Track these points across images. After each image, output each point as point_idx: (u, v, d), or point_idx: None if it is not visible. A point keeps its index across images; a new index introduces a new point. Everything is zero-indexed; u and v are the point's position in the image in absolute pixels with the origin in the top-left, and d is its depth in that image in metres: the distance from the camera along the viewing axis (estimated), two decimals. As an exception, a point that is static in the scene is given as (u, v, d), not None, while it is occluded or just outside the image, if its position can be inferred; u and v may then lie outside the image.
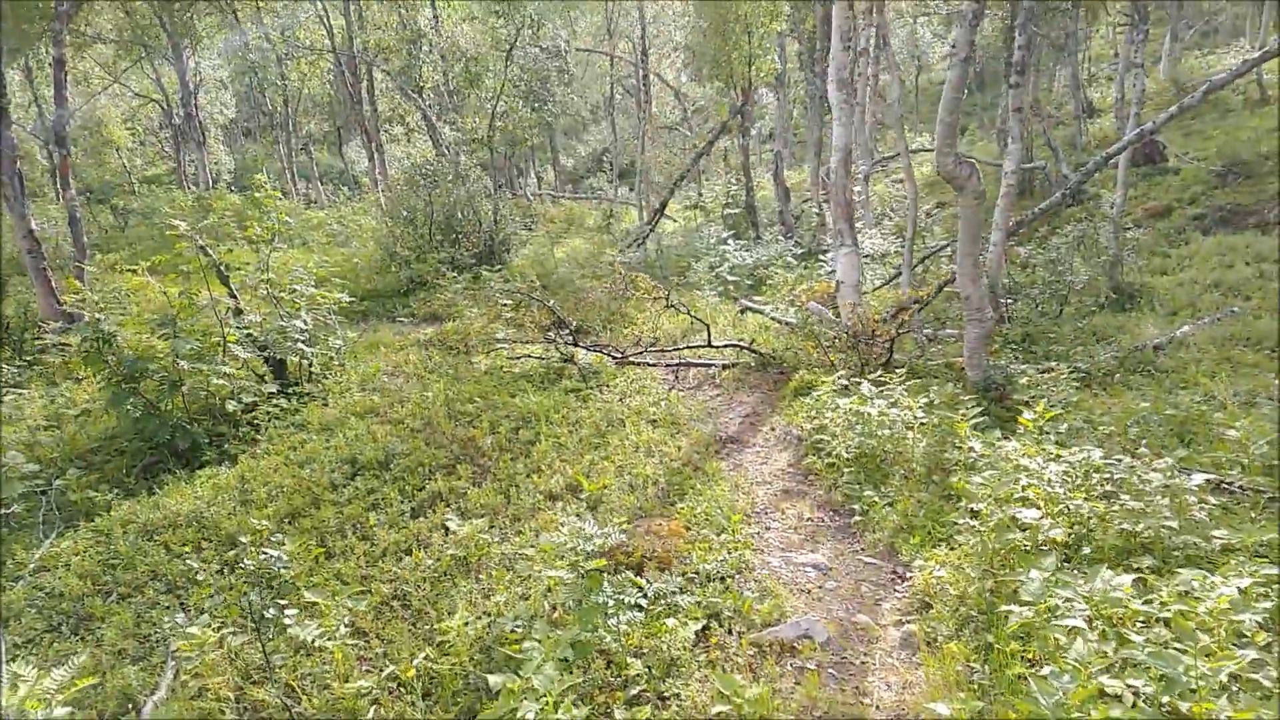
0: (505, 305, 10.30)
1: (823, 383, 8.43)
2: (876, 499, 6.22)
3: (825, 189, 21.46)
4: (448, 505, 6.25)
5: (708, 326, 9.72)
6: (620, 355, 9.53)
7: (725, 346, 10.14)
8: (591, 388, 8.82)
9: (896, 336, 8.89)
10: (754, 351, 9.97)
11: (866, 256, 16.25)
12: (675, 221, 24.05)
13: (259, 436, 8.00)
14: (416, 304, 13.10)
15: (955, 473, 6.40)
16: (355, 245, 18.56)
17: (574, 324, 9.26)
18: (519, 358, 9.41)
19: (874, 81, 25.87)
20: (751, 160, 22.84)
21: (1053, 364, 9.23)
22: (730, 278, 14.46)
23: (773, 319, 11.78)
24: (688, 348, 9.93)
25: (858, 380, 7.43)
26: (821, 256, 16.75)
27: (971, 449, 6.32)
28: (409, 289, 14.17)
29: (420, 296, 13.24)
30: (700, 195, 23.10)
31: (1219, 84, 11.81)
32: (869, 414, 6.93)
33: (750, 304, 12.66)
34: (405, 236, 15.29)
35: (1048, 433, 6.60)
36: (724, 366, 9.89)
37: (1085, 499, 5.31)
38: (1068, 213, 19.36)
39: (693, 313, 9.93)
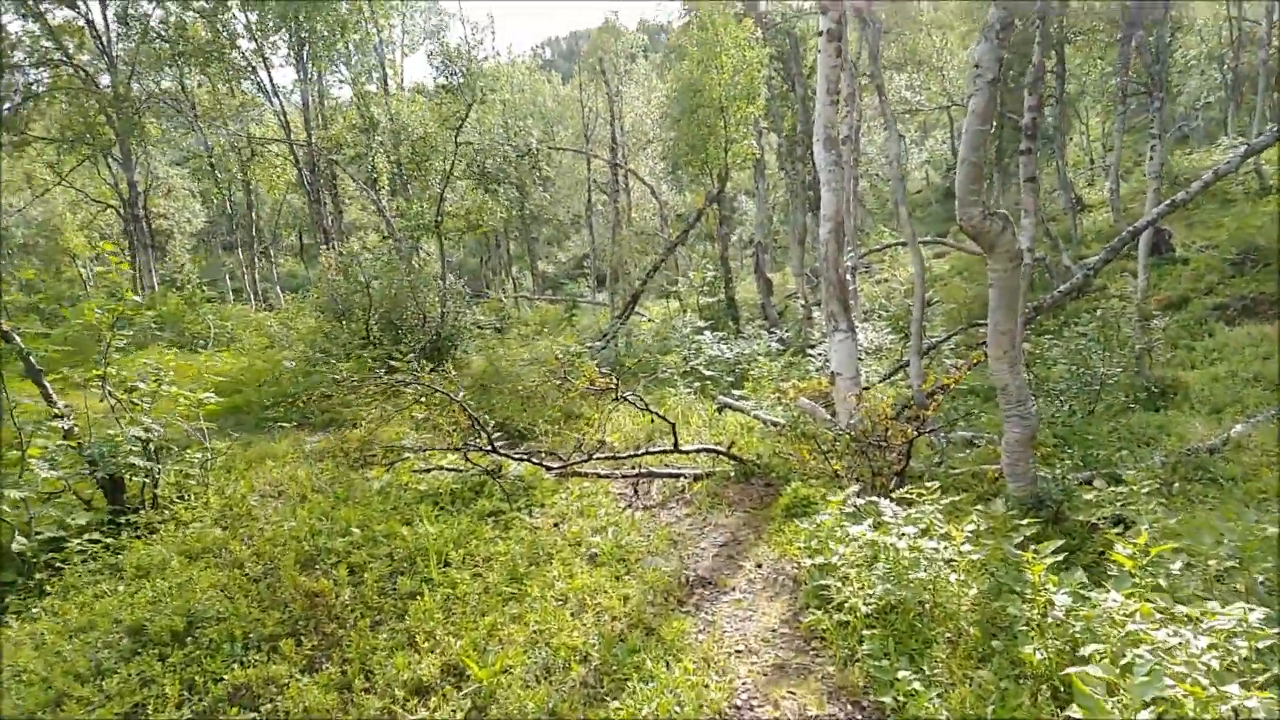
0: (419, 404, 8.22)
1: (825, 500, 6.39)
2: (917, 684, 4.06)
3: (810, 281, 19.95)
4: (254, 709, 4.02)
5: (674, 427, 7.67)
6: (563, 464, 7.42)
7: (698, 452, 8.08)
8: (518, 509, 6.67)
9: (915, 438, 6.87)
10: (734, 458, 7.91)
11: (860, 351, 14.46)
12: (651, 321, 22.38)
13: (51, 588, 5.77)
14: (337, 407, 10.96)
15: (1025, 636, 4.30)
16: (300, 347, 16.64)
17: (491, 426, 7.19)
18: (428, 470, 7.27)
19: (855, 184, 24.82)
20: (730, 261, 21.43)
21: (1118, 472, 7.28)
22: (707, 372, 12.52)
23: (756, 418, 9.81)
24: (649, 453, 7.85)
25: (873, 500, 5.35)
26: (809, 352, 14.96)
27: (1050, 602, 4.26)
28: (334, 391, 12.08)
29: (344, 399, 11.13)
30: (676, 284, 21.46)
31: (1258, 147, 10.39)
32: (895, 547, 4.84)
33: (730, 401, 10.69)
34: (338, 332, 13.37)
35: (1150, 572, 4.57)
36: (696, 477, 7.80)
37: (1262, 698, 3.23)
38: (1073, 306, 17.84)
39: (653, 409, 7.89)
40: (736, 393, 11.22)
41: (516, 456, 7.22)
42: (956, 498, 5.51)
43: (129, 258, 35.86)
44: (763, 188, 21.57)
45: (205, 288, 21.74)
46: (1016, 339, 6.71)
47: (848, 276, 15.73)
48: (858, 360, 9.23)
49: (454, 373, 8.39)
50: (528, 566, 5.45)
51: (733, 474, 7.81)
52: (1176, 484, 8.83)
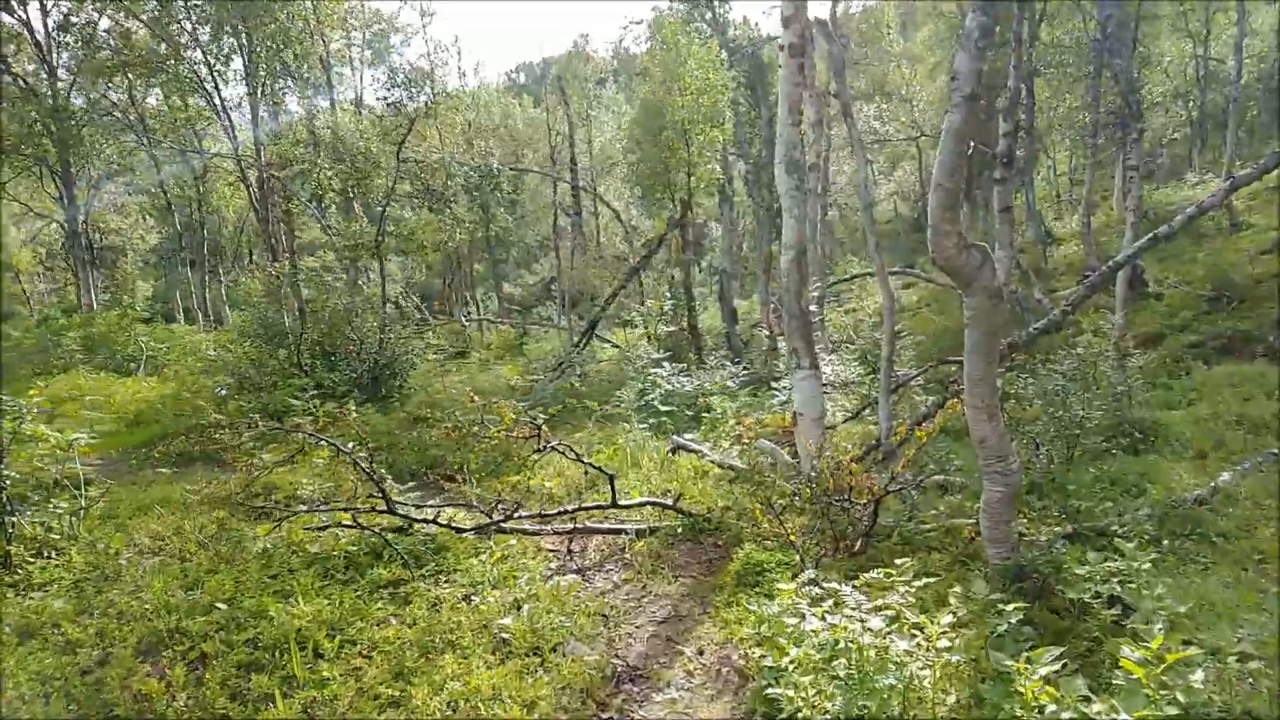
0: (305, 453, 7.25)
1: (780, 568, 5.59)
2: (885, 834, 3.21)
3: (776, 310, 19.25)
4: None
5: (612, 480, 6.80)
6: (484, 522, 6.49)
7: (640, 505, 7.21)
8: (424, 575, 5.74)
9: (885, 495, 6.07)
10: (681, 512, 7.05)
11: (827, 385, 13.71)
12: (617, 348, 21.50)
13: None
14: (240, 448, 9.89)
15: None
16: (223, 377, 15.52)
17: (384, 479, 6.27)
18: (324, 528, 6.30)
19: (823, 213, 24.23)
20: (697, 290, 20.75)
21: (1102, 525, 6.59)
22: (663, 407, 11.68)
23: (712, 463, 8.97)
24: (583, 509, 6.96)
25: (834, 584, 4.50)
26: (774, 385, 14.20)
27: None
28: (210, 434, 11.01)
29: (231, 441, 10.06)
30: (637, 310, 20.63)
31: (1243, 182, 9.87)
32: (859, 643, 4.00)
33: (684, 442, 9.85)
34: (265, 359, 12.36)
35: (1165, 683, 3.77)
36: (639, 533, 6.93)
37: None
38: (1046, 341, 17.31)
39: (587, 461, 7.01)
40: (690, 435, 10.38)
41: (421, 518, 6.25)
42: (932, 580, 4.68)
43: (71, 275, 34.37)
44: (729, 214, 20.94)
45: (137, 307, 20.53)
46: (995, 387, 5.97)
47: (812, 308, 15.03)
48: (822, 398, 8.47)
49: (355, 414, 7.40)
50: (418, 658, 4.50)
51: (680, 530, 6.96)
52: (1166, 540, 8.15)
